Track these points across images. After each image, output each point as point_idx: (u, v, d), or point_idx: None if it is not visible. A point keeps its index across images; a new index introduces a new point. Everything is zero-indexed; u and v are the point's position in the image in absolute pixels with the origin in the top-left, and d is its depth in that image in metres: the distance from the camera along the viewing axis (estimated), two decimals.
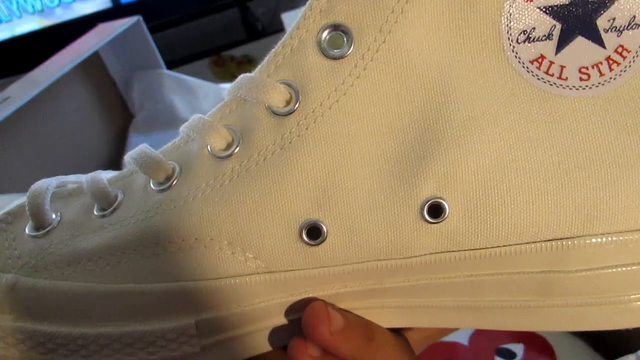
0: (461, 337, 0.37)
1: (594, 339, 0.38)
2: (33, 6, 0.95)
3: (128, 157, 0.22)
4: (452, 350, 0.36)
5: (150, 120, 0.67)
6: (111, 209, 0.21)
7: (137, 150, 0.21)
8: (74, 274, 0.20)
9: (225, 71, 1.08)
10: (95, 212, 0.21)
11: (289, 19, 0.79)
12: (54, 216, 0.22)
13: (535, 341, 0.36)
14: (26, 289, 0.20)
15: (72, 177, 0.23)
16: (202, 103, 0.70)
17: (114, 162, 0.64)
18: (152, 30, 0.73)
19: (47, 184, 0.22)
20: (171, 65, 0.79)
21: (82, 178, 0.22)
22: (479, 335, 0.37)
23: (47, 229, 0.21)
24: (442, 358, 0.36)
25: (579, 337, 0.39)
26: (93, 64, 0.64)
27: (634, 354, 0.27)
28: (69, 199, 0.23)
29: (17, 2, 0.94)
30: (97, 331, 0.20)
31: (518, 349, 0.36)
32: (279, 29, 0.86)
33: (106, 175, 0.22)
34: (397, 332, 0.24)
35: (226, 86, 0.76)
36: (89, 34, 0.63)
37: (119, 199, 0.21)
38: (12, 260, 0.21)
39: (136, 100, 0.68)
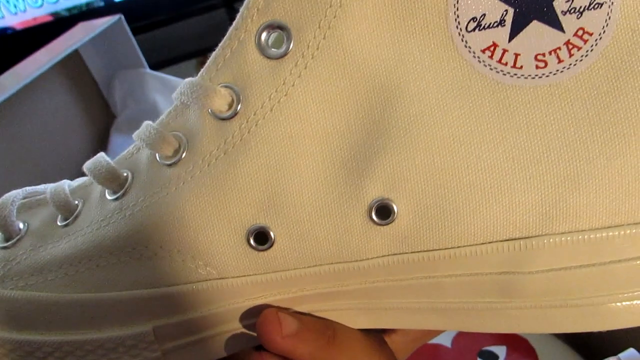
0: (444, 340, 0.37)
1: (576, 341, 0.37)
2: (15, 6, 0.95)
3: (84, 167, 0.22)
4: (435, 353, 0.35)
5: (133, 120, 0.67)
6: (72, 218, 0.21)
7: (92, 160, 0.22)
8: (36, 285, 0.21)
9: None
10: (58, 222, 0.22)
11: None
12: (21, 227, 0.22)
13: (517, 344, 0.36)
14: None
15: (39, 188, 0.24)
16: None
17: None
18: (139, 31, 0.73)
19: (13, 196, 0.23)
20: (158, 66, 0.79)
21: (48, 188, 0.23)
22: (461, 337, 0.36)
23: (14, 240, 0.22)
24: None
25: (561, 340, 0.37)
26: (73, 63, 0.64)
27: (615, 356, 0.27)
28: (36, 209, 0.23)
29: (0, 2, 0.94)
30: (61, 339, 0.20)
31: (501, 351, 0.36)
32: None
33: (71, 184, 0.23)
34: (379, 334, 0.23)
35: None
36: (69, 32, 0.63)
37: (79, 208, 0.22)
38: None
39: (118, 100, 0.68)
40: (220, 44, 0.19)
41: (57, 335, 0.21)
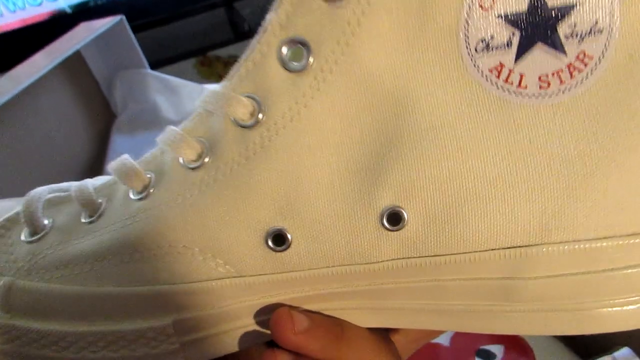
0: (442, 339, 0.38)
1: (571, 340, 0.38)
2: (15, 4, 0.96)
3: (110, 167, 0.23)
4: (434, 351, 0.37)
5: (134, 120, 0.67)
6: (96, 215, 0.23)
7: (117, 160, 0.23)
8: (62, 278, 0.22)
9: (212, 71, 1.08)
10: (83, 219, 0.23)
11: None
12: (46, 222, 0.24)
13: (514, 342, 0.37)
14: (21, 291, 0.22)
15: (64, 185, 0.25)
16: (186, 103, 0.70)
17: (96, 163, 0.64)
18: (138, 29, 0.73)
19: (39, 192, 0.24)
20: (157, 64, 0.79)
21: (73, 186, 0.24)
22: (459, 336, 0.38)
23: (40, 234, 0.23)
24: (424, 359, 0.37)
25: (557, 338, 0.39)
26: (75, 63, 0.64)
27: (610, 354, 0.29)
28: (60, 206, 0.24)
29: None
30: (84, 330, 0.22)
31: (498, 350, 0.37)
32: None
33: (94, 182, 0.24)
34: (384, 332, 0.25)
35: (210, 87, 0.77)
36: (71, 32, 0.64)
37: (103, 206, 0.23)
38: (9, 264, 0.23)
39: (119, 100, 0.68)
40: (243, 56, 0.21)
41: (80, 326, 0.22)
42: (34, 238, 0.23)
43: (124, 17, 0.66)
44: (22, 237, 0.23)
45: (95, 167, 0.65)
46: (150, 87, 0.69)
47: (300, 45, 0.20)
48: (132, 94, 0.69)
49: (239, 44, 1.08)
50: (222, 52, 1.09)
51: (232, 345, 0.23)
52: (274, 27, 0.20)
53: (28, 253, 0.23)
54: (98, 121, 0.68)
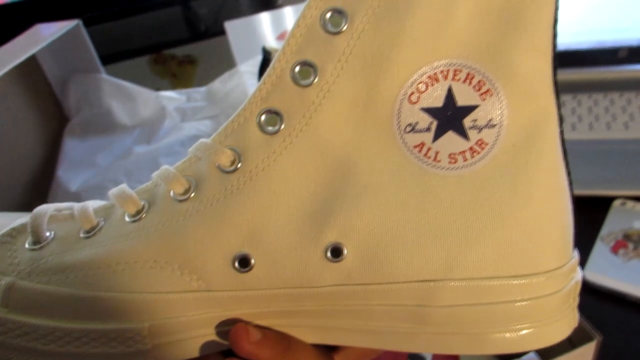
0: None
1: None
2: None
3: (110, 193, 0.30)
4: None
5: (87, 125, 0.71)
6: (93, 232, 0.30)
7: (117, 188, 0.30)
8: (58, 281, 0.29)
9: (166, 69, 1.13)
10: (81, 234, 0.30)
11: (232, 28, 0.88)
12: (48, 234, 0.30)
13: None
14: (20, 290, 0.29)
15: (66, 205, 0.32)
16: (141, 110, 0.74)
17: (47, 165, 0.67)
18: (91, 23, 0.77)
19: (45, 209, 0.31)
20: (109, 59, 0.81)
21: (74, 206, 0.31)
22: None
23: (42, 244, 0.30)
24: None
25: None
26: (28, 65, 0.68)
27: (519, 358, 0.36)
28: (62, 222, 0.31)
29: None
30: (72, 326, 0.28)
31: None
32: (222, 31, 0.91)
33: (94, 205, 0.31)
34: (326, 352, 0.32)
35: (166, 94, 0.85)
36: (25, 34, 0.67)
37: (100, 225, 0.30)
38: (12, 266, 0.29)
39: (73, 103, 0.72)
40: (231, 118, 0.28)
41: (69, 323, 0.28)
42: (36, 246, 0.30)
43: (80, 22, 0.71)
44: (26, 245, 0.30)
45: (46, 170, 0.68)
46: (105, 92, 0.74)
47: (275, 115, 0.28)
48: (87, 98, 0.73)
49: (195, 43, 1.13)
50: (177, 50, 1.16)
51: (194, 350, 0.30)
52: (256, 99, 0.28)
53: (30, 258, 0.29)
54: (50, 124, 0.70)
